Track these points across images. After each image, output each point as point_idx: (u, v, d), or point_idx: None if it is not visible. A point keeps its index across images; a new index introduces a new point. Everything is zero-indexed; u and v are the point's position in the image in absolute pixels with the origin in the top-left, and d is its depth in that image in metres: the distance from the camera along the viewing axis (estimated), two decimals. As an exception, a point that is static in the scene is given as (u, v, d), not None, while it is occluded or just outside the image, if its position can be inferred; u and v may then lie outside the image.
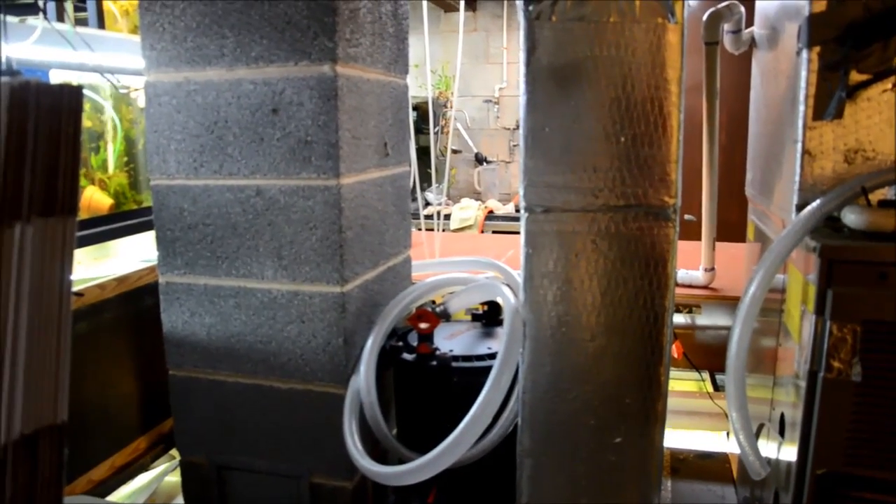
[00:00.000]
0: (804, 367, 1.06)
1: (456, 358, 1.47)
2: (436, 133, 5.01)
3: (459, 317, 1.72)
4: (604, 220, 1.20)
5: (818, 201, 1.09)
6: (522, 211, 1.23)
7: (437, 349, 1.50)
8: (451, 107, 5.07)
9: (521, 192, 1.22)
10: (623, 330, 1.23)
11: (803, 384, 1.06)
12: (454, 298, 1.51)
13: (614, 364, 1.24)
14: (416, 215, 2.52)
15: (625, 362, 1.24)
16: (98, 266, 2.05)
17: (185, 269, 1.56)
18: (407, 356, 1.51)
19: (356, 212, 1.48)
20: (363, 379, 1.42)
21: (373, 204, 1.57)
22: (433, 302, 1.66)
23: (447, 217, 4.51)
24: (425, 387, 1.51)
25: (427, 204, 4.77)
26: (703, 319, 2.72)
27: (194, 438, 1.65)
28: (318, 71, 1.37)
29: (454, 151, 5.06)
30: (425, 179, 5.04)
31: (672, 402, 2.37)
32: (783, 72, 1.32)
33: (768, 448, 1.35)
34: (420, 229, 2.50)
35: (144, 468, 2.12)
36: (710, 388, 2.44)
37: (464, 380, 1.43)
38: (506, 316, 1.35)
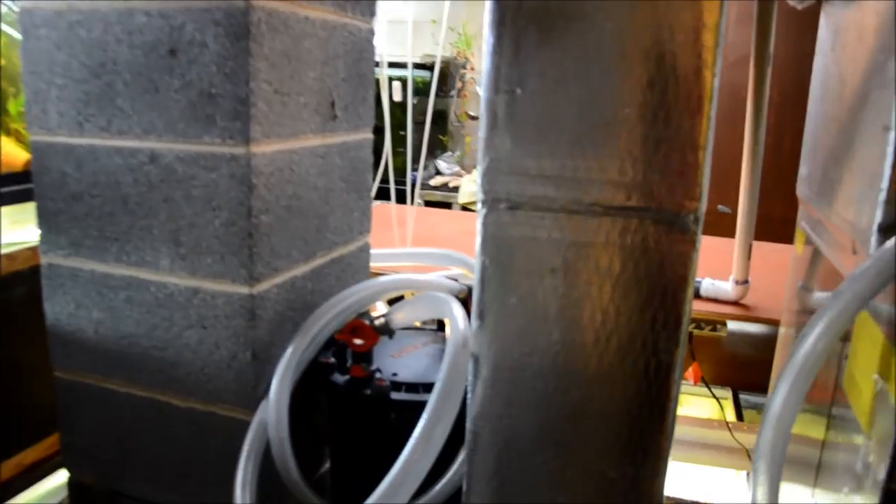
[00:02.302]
0: (875, 475, 0.70)
1: (398, 386, 1.13)
2: (451, 96, 4.60)
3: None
4: (593, 226, 0.84)
5: (914, 222, 0.71)
6: (480, 206, 0.87)
7: (376, 371, 1.16)
8: (472, 68, 4.66)
9: (479, 179, 0.86)
10: (611, 381, 0.87)
11: (874, 500, 0.70)
12: (397, 312, 1.16)
13: (596, 425, 0.89)
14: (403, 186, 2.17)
15: (611, 424, 0.89)
16: (16, 231, 1.75)
17: (69, 249, 1.24)
18: (338, 378, 1.17)
19: (278, 189, 1.14)
20: (272, 408, 1.09)
21: (309, 180, 1.23)
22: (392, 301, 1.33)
23: (455, 189, 4.14)
24: (358, 421, 1.18)
25: (437, 173, 4.40)
26: (731, 324, 2.34)
27: (84, 455, 1.35)
28: (226, 1, 1.02)
29: (471, 117, 4.66)
30: (438, 146, 4.67)
31: (685, 432, 2.01)
32: (870, 29, 0.92)
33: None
34: (421, 203, 2.15)
35: (61, 466, 1.86)
36: (732, 414, 2.07)
37: (405, 416, 1.09)
38: (448, 346, 1.00)
